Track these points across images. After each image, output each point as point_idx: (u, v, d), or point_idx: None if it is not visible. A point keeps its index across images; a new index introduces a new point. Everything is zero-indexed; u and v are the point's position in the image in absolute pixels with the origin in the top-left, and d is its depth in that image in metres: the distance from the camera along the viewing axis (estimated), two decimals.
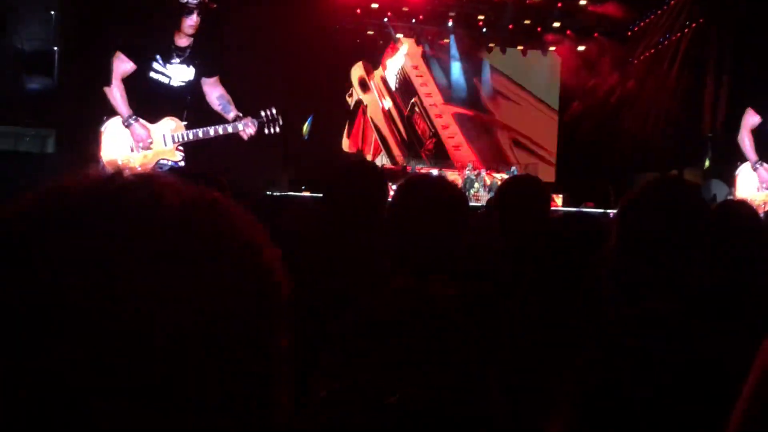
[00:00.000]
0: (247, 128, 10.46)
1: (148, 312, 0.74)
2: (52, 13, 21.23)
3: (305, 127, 24.25)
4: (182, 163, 10.98)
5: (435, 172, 24.28)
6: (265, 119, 10.57)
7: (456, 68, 26.69)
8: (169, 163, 10.69)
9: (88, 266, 0.74)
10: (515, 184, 4.76)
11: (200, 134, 10.85)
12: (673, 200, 2.66)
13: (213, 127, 10.79)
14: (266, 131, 10.61)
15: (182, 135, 11.02)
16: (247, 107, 10.93)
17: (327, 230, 3.35)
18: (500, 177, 23.61)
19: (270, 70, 21.33)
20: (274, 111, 10.63)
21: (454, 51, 26.49)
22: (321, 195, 3.43)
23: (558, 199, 22.34)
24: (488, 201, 7.75)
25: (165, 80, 10.98)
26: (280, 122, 10.66)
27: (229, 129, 10.62)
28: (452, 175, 24.12)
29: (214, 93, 11.03)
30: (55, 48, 20.73)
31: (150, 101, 11.06)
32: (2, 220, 0.81)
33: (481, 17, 25.57)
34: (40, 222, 0.79)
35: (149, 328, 0.73)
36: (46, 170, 18.08)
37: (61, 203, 0.82)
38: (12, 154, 20.65)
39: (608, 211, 21.39)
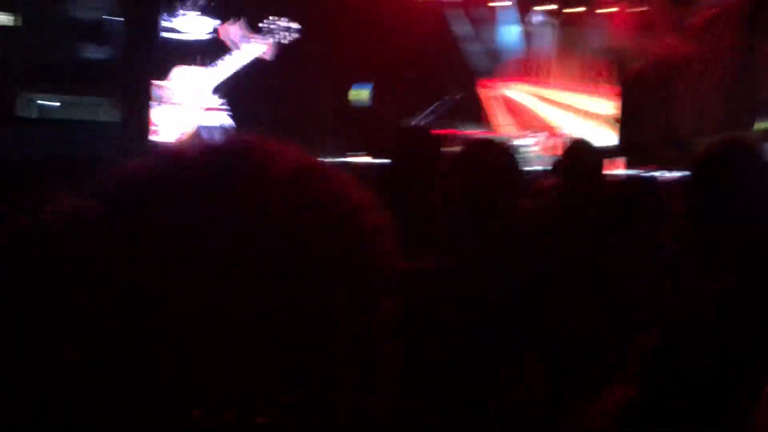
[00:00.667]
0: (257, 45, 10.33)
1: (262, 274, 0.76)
2: None
3: (365, 93, 24.33)
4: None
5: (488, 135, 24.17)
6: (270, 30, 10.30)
7: (511, 33, 26.43)
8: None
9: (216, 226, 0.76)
10: (576, 150, 4.76)
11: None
12: (744, 166, 2.65)
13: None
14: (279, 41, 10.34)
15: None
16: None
17: (388, 192, 3.37)
18: (559, 141, 23.40)
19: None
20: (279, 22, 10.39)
21: (508, 16, 26.27)
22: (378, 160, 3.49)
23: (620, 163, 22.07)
24: (554, 163, 7.67)
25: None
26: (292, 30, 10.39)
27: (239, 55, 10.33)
28: (507, 139, 24.03)
29: None
30: (114, 18, 20.94)
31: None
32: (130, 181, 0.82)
33: None
34: (163, 183, 0.81)
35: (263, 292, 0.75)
36: (105, 138, 18.33)
37: (179, 169, 0.82)
38: (67, 122, 20.99)
39: (672, 173, 21.17)
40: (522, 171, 3.20)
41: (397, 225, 0.84)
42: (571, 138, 21.22)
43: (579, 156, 4.46)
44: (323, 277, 0.78)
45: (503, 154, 3.05)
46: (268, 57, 22.22)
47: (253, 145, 0.85)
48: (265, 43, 22.14)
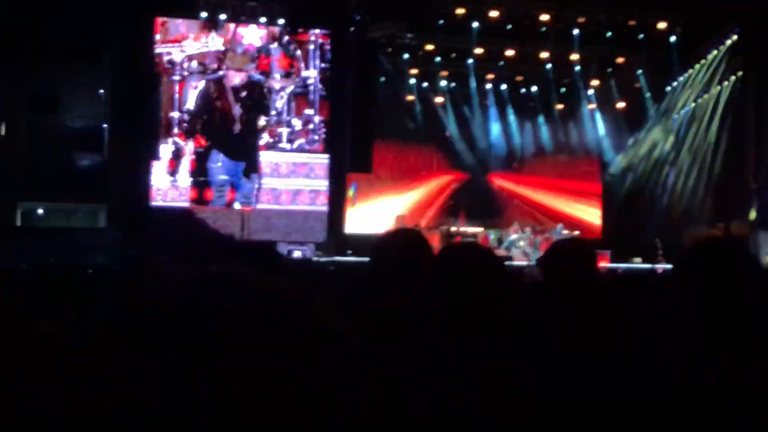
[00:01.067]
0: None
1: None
2: (101, 91, 21.84)
3: (350, 192, 24.69)
4: None
5: (480, 230, 24.35)
6: None
7: (497, 128, 26.87)
8: None
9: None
10: (561, 248, 4.78)
11: None
12: (730, 262, 2.73)
13: None
14: None
15: None
16: None
17: (372, 295, 3.45)
18: (545, 236, 23.60)
19: None
20: None
21: (494, 111, 26.73)
22: (366, 260, 3.54)
23: (604, 257, 22.20)
24: (538, 260, 7.74)
25: None
26: None
27: None
28: (496, 234, 24.19)
29: None
30: (105, 125, 21.30)
31: None
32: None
33: (519, 78, 25.89)
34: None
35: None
36: (98, 244, 18.51)
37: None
38: (65, 230, 21.16)
39: (656, 266, 21.35)
40: (503, 272, 3.24)
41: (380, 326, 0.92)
42: (558, 233, 21.35)
43: (562, 254, 4.49)
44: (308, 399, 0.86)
45: (482, 258, 3.12)
46: None
47: (231, 279, 0.92)
48: None
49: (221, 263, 0.95)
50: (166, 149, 22.70)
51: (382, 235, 3.65)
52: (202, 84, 23.38)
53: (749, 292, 2.65)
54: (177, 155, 22.86)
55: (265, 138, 24.15)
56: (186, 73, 23.07)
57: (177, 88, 22.97)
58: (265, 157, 24.10)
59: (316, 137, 24.51)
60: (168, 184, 22.74)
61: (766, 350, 2.54)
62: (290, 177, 24.32)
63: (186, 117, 23.09)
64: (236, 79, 23.85)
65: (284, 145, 24.47)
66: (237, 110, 23.84)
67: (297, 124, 24.54)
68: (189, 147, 23.14)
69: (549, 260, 4.38)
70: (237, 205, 23.21)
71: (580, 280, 4.04)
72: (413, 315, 3.09)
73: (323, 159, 24.23)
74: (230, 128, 23.79)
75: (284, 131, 24.55)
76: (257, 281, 0.91)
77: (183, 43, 22.88)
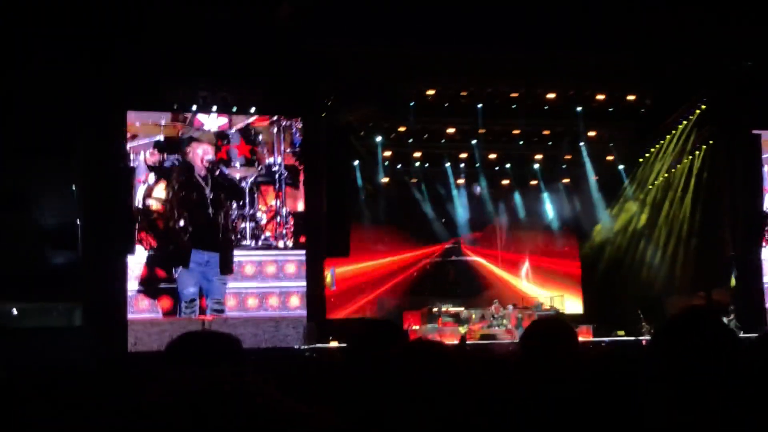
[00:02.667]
0: None
1: None
2: (73, 187, 21.71)
3: (328, 278, 24.50)
4: None
5: (461, 309, 24.23)
6: None
7: (472, 206, 26.98)
8: None
9: None
10: (539, 326, 4.75)
11: None
12: (701, 330, 2.72)
13: None
14: None
15: None
16: None
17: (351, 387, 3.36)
18: (527, 313, 23.52)
19: None
20: None
21: (464, 190, 26.90)
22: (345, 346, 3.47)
23: (586, 332, 22.10)
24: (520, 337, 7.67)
25: None
26: None
27: None
28: (477, 312, 24.06)
29: None
30: (78, 221, 21.14)
31: None
32: None
33: (493, 155, 26.04)
34: None
35: None
36: (74, 343, 18.20)
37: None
38: (40, 330, 20.84)
39: (640, 338, 21.26)
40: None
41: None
42: (538, 309, 21.33)
43: (541, 332, 4.44)
44: None
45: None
46: None
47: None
48: None
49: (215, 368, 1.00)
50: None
51: (354, 327, 3.57)
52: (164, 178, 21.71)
53: (724, 363, 2.66)
54: (149, 261, 21.24)
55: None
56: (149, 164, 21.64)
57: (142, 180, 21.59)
58: None
59: (284, 231, 22.47)
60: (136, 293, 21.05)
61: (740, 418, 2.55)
62: (256, 279, 22.11)
63: (149, 213, 21.51)
64: (207, 155, 22.05)
65: (247, 242, 22.28)
66: (207, 192, 22.03)
67: (262, 217, 22.59)
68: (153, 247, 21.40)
69: (528, 339, 4.34)
70: (209, 315, 21.28)
71: (560, 356, 4.00)
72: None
73: (294, 255, 22.23)
74: (203, 213, 21.90)
75: (247, 226, 22.43)
76: (256, 389, 1.04)
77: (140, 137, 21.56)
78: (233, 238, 22.12)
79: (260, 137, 22.67)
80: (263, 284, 22.13)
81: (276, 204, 22.66)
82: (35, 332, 19.69)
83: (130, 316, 20.75)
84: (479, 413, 2.99)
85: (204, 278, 21.57)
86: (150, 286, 21.23)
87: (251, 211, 22.50)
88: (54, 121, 19.55)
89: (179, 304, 21.23)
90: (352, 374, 3.35)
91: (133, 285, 21.06)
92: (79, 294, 20.48)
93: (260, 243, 22.42)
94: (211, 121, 22.20)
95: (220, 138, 22.30)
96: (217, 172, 22.14)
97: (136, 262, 21.10)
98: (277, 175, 22.73)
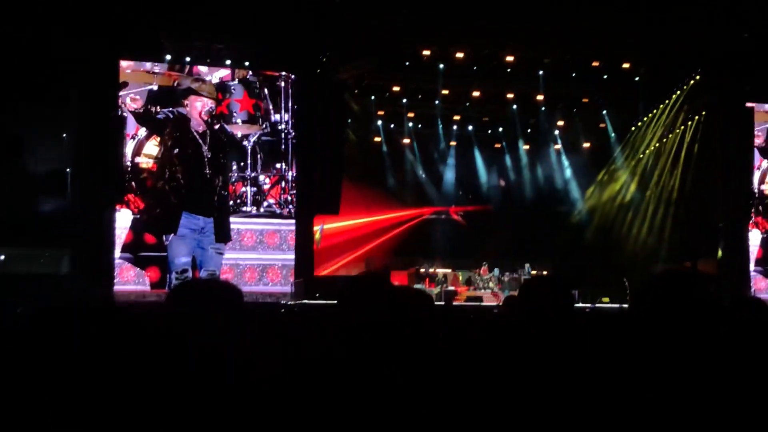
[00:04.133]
0: None
1: None
2: (64, 135, 21.58)
3: (317, 234, 24.43)
4: None
5: (449, 271, 24.34)
6: None
7: (463, 168, 26.94)
8: None
9: None
10: (540, 284, 4.71)
11: None
12: (684, 294, 2.71)
13: None
14: None
15: None
16: None
17: (340, 344, 3.37)
18: (514, 276, 23.64)
19: None
20: None
21: (460, 152, 26.83)
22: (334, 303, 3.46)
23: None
24: (506, 299, 7.74)
25: None
26: None
27: None
28: (464, 274, 24.15)
29: None
30: (68, 169, 21.03)
31: None
32: None
33: (485, 118, 25.95)
34: None
35: None
36: (61, 290, 18.18)
37: None
38: (28, 276, 20.78)
39: (624, 305, 21.35)
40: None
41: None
42: (527, 273, 21.36)
43: (539, 290, 4.40)
44: None
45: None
46: None
47: None
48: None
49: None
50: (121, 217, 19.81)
51: (347, 283, 3.55)
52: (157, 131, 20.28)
53: (704, 322, 2.66)
54: (136, 225, 19.80)
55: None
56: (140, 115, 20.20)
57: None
58: None
59: (290, 197, 21.02)
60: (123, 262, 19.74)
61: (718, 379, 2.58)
62: (256, 250, 20.67)
63: (138, 171, 20.12)
64: (205, 108, 20.46)
65: (248, 208, 20.66)
66: (205, 150, 20.26)
67: (265, 181, 20.96)
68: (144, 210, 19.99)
69: (524, 296, 4.30)
70: None
71: (555, 316, 3.99)
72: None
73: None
74: (199, 174, 20.26)
75: (248, 190, 20.78)
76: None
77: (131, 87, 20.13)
78: (232, 203, 20.65)
79: (265, 91, 21.11)
80: (264, 256, 20.77)
81: (281, 167, 21.17)
82: (23, 278, 19.67)
83: (114, 287, 19.50)
84: (468, 368, 3.02)
85: (198, 246, 20.09)
86: (137, 254, 19.83)
87: (253, 174, 20.91)
88: (47, 68, 19.41)
89: (169, 275, 19.67)
90: (342, 326, 3.36)
91: (118, 252, 19.83)
92: (67, 241, 20.44)
93: (262, 210, 20.94)
94: (211, 71, 20.78)
95: (221, 90, 20.72)
96: (217, 127, 20.57)
97: (122, 226, 19.87)
98: (283, 134, 21.20)
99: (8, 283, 18.29)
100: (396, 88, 24.17)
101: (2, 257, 22.83)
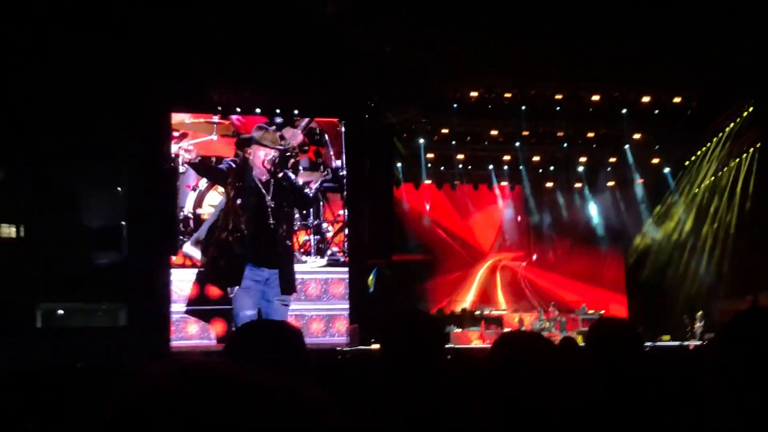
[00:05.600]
0: None
1: None
2: (119, 189, 21.87)
3: (370, 279, 24.31)
4: None
5: (504, 312, 24.12)
6: None
7: (512, 213, 26.79)
8: None
9: None
10: (609, 328, 4.59)
11: None
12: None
13: None
14: None
15: None
16: None
17: (385, 385, 3.29)
18: (571, 316, 23.33)
19: None
20: None
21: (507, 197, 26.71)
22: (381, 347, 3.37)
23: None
24: (563, 341, 7.59)
25: None
26: None
27: None
28: (527, 316, 23.89)
29: None
30: (123, 223, 21.27)
31: None
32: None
33: (536, 158, 25.80)
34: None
35: None
36: (118, 344, 18.31)
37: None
38: (85, 330, 21.00)
39: (686, 342, 20.97)
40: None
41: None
42: (583, 313, 21.06)
43: (611, 333, 4.29)
44: None
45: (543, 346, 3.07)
46: None
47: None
48: None
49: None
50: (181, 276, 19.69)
51: (392, 321, 3.45)
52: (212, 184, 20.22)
53: None
54: (200, 278, 19.62)
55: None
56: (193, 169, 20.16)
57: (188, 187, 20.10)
58: None
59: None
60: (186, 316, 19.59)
61: None
62: (321, 300, 20.36)
63: (200, 223, 20.06)
64: (268, 156, 20.19)
65: (312, 258, 20.29)
66: (268, 199, 19.88)
67: (328, 228, 20.68)
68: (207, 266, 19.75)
69: (596, 339, 4.18)
70: None
71: (628, 361, 3.89)
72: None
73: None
74: (262, 224, 19.91)
75: (311, 239, 20.49)
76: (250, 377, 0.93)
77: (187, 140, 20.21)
78: (296, 252, 20.36)
79: (326, 137, 21.05)
80: (329, 306, 20.42)
81: (344, 213, 20.96)
82: (80, 332, 19.87)
83: (176, 342, 19.33)
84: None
85: (263, 298, 19.67)
86: (201, 308, 19.63)
87: (316, 222, 20.67)
88: (100, 123, 19.72)
89: (234, 329, 18.47)
90: (388, 374, 3.27)
91: (180, 307, 19.70)
92: (124, 295, 20.61)
93: (326, 258, 20.60)
94: (273, 118, 20.70)
95: (283, 138, 20.57)
96: (280, 175, 20.32)
97: (185, 280, 19.74)
98: (345, 180, 21.04)
99: (67, 337, 18.48)
100: (444, 131, 24.13)
101: (60, 311, 23.09)
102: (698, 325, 22.40)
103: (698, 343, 19.75)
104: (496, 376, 2.98)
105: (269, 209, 20.05)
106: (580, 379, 4.04)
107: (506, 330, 22.75)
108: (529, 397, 2.85)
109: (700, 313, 22.83)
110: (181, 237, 20.17)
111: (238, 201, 19.96)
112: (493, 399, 2.94)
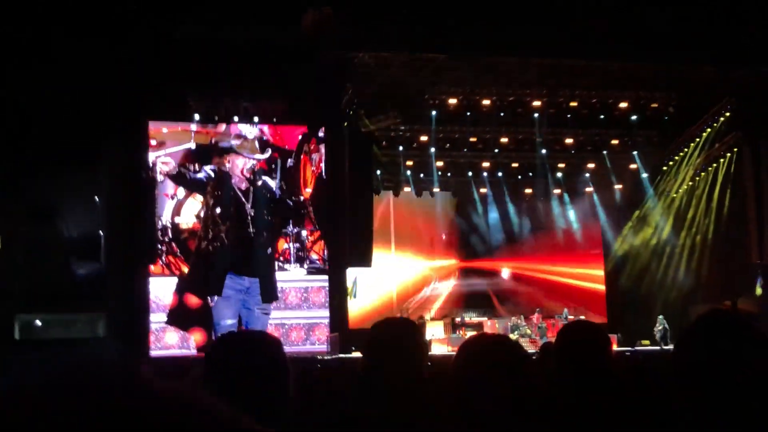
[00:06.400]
0: None
1: None
2: (96, 198, 21.74)
3: (350, 287, 24.31)
4: None
5: (484, 319, 24.15)
6: None
7: (495, 215, 26.75)
8: None
9: None
10: (576, 330, 4.62)
11: None
12: (729, 332, 2.63)
13: None
14: None
15: None
16: None
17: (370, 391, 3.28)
18: (551, 321, 23.38)
19: None
20: None
21: (491, 198, 26.67)
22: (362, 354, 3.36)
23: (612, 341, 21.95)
24: (543, 346, 7.65)
25: None
26: None
27: None
28: (501, 322, 23.92)
29: None
30: (101, 232, 21.15)
31: None
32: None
33: (515, 164, 25.79)
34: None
35: None
36: (97, 355, 18.15)
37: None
38: (64, 341, 20.84)
39: (665, 347, 21.08)
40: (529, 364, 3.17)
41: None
42: (564, 318, 21.14)
43: (576, 338, 4.31)
44: None
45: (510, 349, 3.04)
46: None
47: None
48: None
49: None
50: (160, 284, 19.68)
51: (374, 328, 3.44)
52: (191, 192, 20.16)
53: (753, 364, 2.52)
54: (179, 288, 19.61)
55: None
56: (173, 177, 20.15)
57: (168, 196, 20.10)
58: None
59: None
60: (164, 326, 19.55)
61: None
62: (301, 309, 20.48)
63: (178, 232, 20.01)
64: (247, 165, 20.39)
65: (291, 266, 20.35)
66: (248, 207, 20.05)
67: (308, 237, 20.83)
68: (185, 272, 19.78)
69: (561, 345, 4.21)
70: None
71: (595, 365, 3.90)
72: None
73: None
74: (243, 232, 20.07)
75: (291, 247, 20.54)
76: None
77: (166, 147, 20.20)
78: (276, 260, 20.42)
79: (306, 146, 21.23)
80: (309, 314, 20.53)
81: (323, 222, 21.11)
82: (59, 343, 19.72)
83: (155, 352, 19.29)
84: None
85: (244, 307, 19.83)
86: (180, 317, 19.62)
87: (295, 230, 20.74)
88: (77, 133, 19.60)
89: (214, 338, 18.95)
90: (370, 382, 3.26)
91: (159, 317, 19.69)
92: (103, 305, 20.50)
93: (305, 266, 20.65)
94: (250, 128, 20.79)
95: (262, 147, 20.70)
96: (260, 183, 20.47)
97: (165, 289, 19.75)
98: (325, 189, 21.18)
99: (45, 348, 18.35)
100: (424, 138, 24.15)
101: (38, 322, 22.94)
102: (657, 329, 22.57)
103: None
104: (458, 381, 2.96)
105: (249, 218, 20.13)
106: (546, 382, 4.05)
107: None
108: (491, 401, 2.84)
109: (660, 316, 23.03)
110: (159, 246, 20.08)
111: (218, 210, 20.04)
112: (458, 405, 2.93)
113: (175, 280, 19.87)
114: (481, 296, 26.37)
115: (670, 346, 21.53)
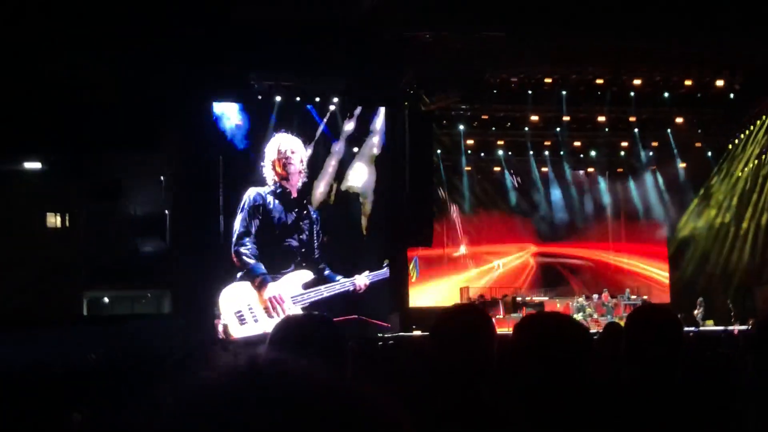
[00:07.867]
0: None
1: None
2: (162, 178, 22.02)
3: (411, 267, 24.39)
4: None
5: (545, 299, 24.01)
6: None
7: (556, 194, 26.54)
8: None
9: None
10: (644, 314, 4.55)
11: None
12: None
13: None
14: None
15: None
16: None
17: (436, 375, 3.31)
18: (614, 301, 23.18)
19: None
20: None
21: (552, 177, 26.47)
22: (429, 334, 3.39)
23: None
24: (608, 326, 7.52)
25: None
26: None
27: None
28: (562, 301, 23.78)
29: None
30: (166, 211, 21.45)
31: None
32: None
33: (577, 143, 25.55)
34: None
35: None
36: (163, 331, 18.45)
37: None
38: (130, 317, 21.23)
39: (729, 328, 20.78)
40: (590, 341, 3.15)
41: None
42: (626, 299, 20.88)
43: (650, 321, 4.24)
44: None
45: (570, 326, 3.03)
46: None
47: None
48: None
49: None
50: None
51: (441, 315, 3.47)
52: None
53: None
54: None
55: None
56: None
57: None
58: None
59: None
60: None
61: None
62: (366, 289, 20.93)
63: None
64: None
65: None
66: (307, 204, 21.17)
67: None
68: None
69: (633, 326, 4.14)
70: None
71: (665, 362, 3.84)
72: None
73: None
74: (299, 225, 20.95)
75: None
76: (308, 372, 0.90)
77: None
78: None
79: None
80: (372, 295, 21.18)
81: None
82: (126, 319, 20.09)
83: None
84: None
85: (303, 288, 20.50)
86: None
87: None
88: (142, 114, 19.88)
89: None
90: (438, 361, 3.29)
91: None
92: (168, 282, 20.82)
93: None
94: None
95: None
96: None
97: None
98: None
99: (112, 325, 18.70)
100: (484, 117, 24.05)
101: (106, 299, 23.39)
102: (697, 311, 22.29)
103: (742, 328, 19.58)
104: (515, 359, 2.97)
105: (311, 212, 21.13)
106: (605, 363, 4.03)
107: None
108: (548, 379, 2.84)
109: (700, 299, 22.76)
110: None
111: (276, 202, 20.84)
112: (516, 383, 2.94)
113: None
114: (544, 275, 26.23)
115: (712, 327, 21.37)
